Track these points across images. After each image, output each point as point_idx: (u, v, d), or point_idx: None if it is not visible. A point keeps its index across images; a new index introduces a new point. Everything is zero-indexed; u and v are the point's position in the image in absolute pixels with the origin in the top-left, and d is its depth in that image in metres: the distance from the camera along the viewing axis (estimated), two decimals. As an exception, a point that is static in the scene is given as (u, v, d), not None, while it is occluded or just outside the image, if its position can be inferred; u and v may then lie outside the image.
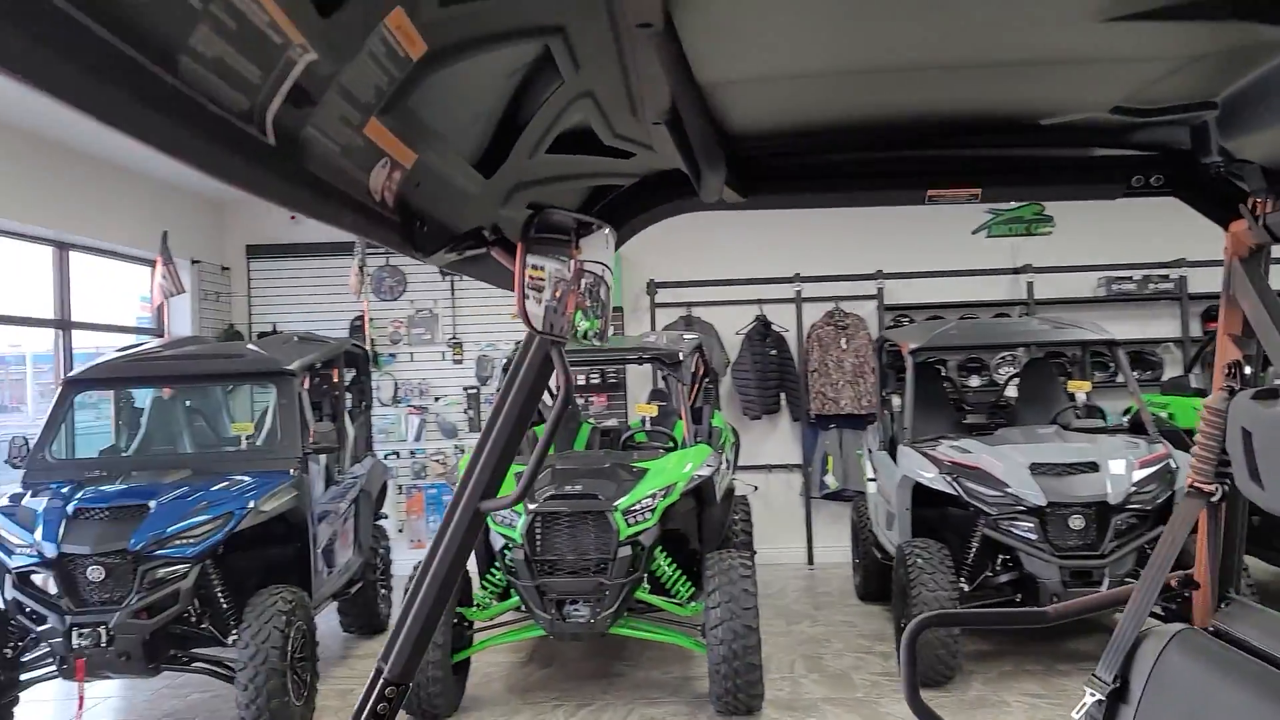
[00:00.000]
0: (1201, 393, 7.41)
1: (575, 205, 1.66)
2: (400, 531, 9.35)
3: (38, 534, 5.02)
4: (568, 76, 1.05)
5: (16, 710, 5.34)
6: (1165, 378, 8.64)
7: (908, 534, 6.11)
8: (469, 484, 1.73)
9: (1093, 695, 1.73)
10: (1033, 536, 5.57)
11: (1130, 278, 8.94)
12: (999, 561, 5.89)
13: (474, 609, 5.81)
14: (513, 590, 5.66)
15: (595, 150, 1.39)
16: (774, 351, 9.15)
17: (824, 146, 1.67)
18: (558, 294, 1.10)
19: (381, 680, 1.72)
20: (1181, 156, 1.63)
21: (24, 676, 5.25)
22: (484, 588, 5.90)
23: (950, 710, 5.32)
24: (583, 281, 1.17)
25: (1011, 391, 7.78)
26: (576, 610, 5.50)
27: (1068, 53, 1.31)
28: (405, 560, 8.38)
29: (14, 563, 5.03)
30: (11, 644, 5.20)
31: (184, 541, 5.12)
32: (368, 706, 1.71)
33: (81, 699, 4.98)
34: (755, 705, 5.33)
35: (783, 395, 9.24)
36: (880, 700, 5.54)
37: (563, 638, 5.67)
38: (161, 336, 8.56)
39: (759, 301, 9.16)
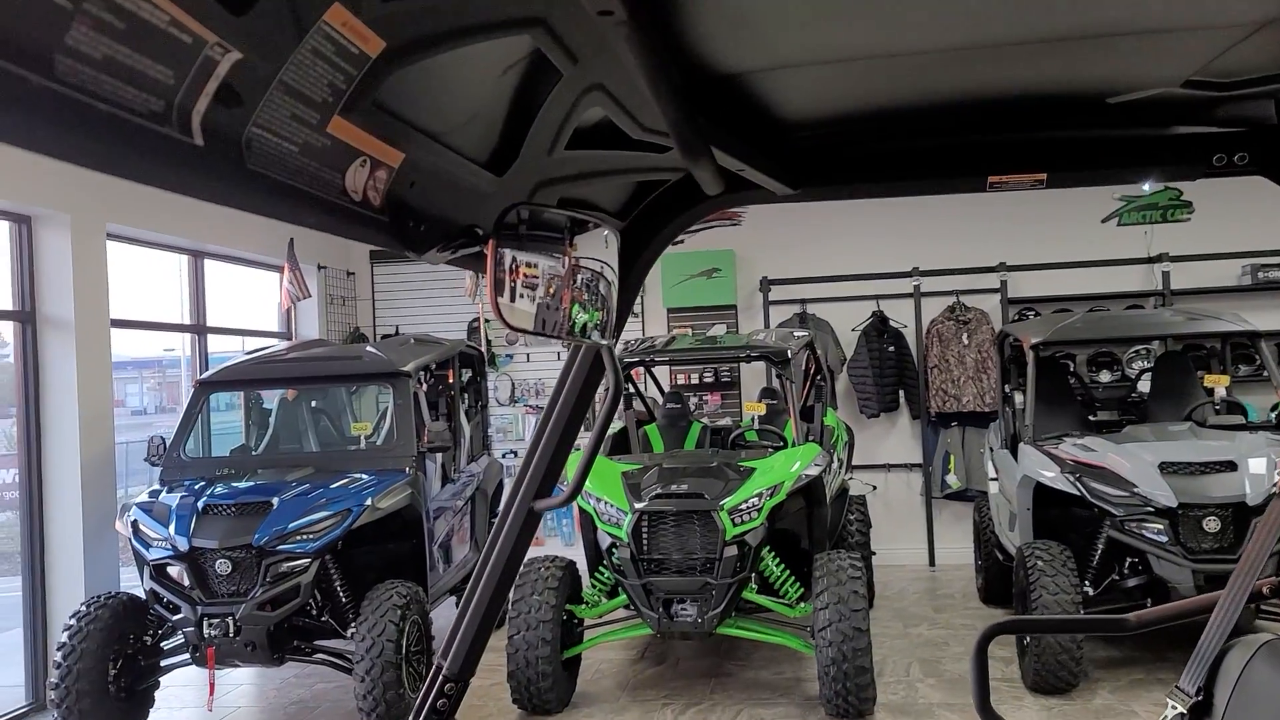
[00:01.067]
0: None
1: (622, 201, 1.65)
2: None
3: (171, 529, 5.31)
4: (565, 70, 1.04)
5: (158, 694, 5.65)
6: (1319, 371, 8.05)
7: (1029, 535, 5.87)
8: (523, 485, 1.74)
9: (1174, 708, 1.61)
10: (1163, 539, 5.28)
11: (1279, 265, 8.37)
12: (1127, 565, 5.61)
13: (584, 606, 5.86)
14: (620, 589, 5.68)
15: (629, 145, 1.37)
16: (892, 348, 8.93)
17: (877, 134, 1.61)
18: (551, 290, 1.09)
19: (441, 677, 1.74)
20: (1268, 132, 1.50)
21: (164, 663, 5.56)
22: (593, 585, 5.94)
23: (1073, 719, 5.10)
24: (579, 277, 1.16)
25: (1145, 387, 7.39)
26: (684, 609, 5.49)
27: (1131, 24, 1.23)
28: (523, 557, 8.50)
29: (151, 555, 5.33)
30: (151, 632, 5.51)
31: (304, 537, 5.32)
32: (428, 703, 1.74)
33: (212, 685, 5.24)
34: (867, 709, 5.21)
35: (901, 393, 9.01)
36: (999, 707, 5.32)
37: (670, 636, 5.66)
38: (290, 339, 8.94)
39: (876, 297, 8.96)
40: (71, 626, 5.24)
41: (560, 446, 1.73)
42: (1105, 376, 8.32)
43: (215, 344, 8.23)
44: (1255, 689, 1.53)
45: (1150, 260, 8.62)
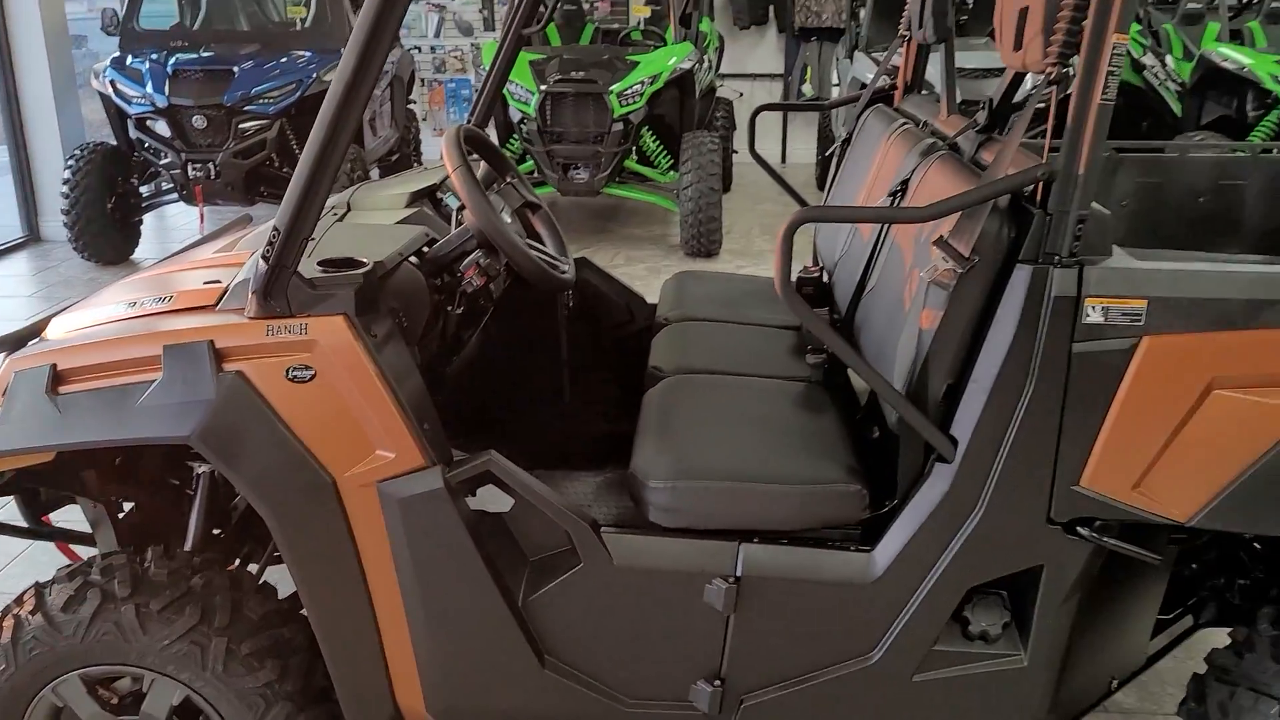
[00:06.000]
0: None
1: None
2: (424, 120, 10.57)
3: (148, 88, 6.30)
4: None
5: (142, 228, 6.91)
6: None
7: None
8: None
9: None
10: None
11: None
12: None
13: (495, 171, 7.21)
14: (528, 156, 7.03)
15: None
16: (766, -36, 9.90)
17: None
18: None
19: None
20: None
21: (145, 203, 6.78)
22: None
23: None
24: None
25: None
26: (578, 172, 6.92)
27: None
28: (431, 145, 9.73)
29: (133, 110, 6.35)
30: (135, 175, 6.68)
31: (265, 101, 6.40)
32: None
33: (202, 215, 6.50)
34: (714, 250, 6.88)
35: (771, 7, 10.10)
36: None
37: (567, 194, 7.12)
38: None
39: (756, -86, 9.76)
40: (73, 166, 6.33)
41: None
42: None
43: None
44: (863, 129, 3.00)
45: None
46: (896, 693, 1.84)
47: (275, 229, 1.69)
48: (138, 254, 6.88)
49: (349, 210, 2.37)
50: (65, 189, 6.34)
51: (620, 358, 3.02)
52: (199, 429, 1.72)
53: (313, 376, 1.74)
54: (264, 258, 1.71)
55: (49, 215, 7.13)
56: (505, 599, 1.82)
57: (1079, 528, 1.73)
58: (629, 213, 8.10)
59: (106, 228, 6.47)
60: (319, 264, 1.82)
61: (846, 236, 2.66)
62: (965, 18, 8.70)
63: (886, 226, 2.30)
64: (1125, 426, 1.65)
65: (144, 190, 6.83)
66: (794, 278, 2.73)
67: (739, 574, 1.79)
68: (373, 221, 2.25)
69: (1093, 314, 1.62)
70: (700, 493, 1.84)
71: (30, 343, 2.10)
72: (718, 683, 1.85)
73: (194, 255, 2.38)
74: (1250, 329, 1.62)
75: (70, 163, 6.38)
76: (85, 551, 2.28)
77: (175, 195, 6.62)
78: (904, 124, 2.68)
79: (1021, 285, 1.64)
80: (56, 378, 1.80)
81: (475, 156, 2.34)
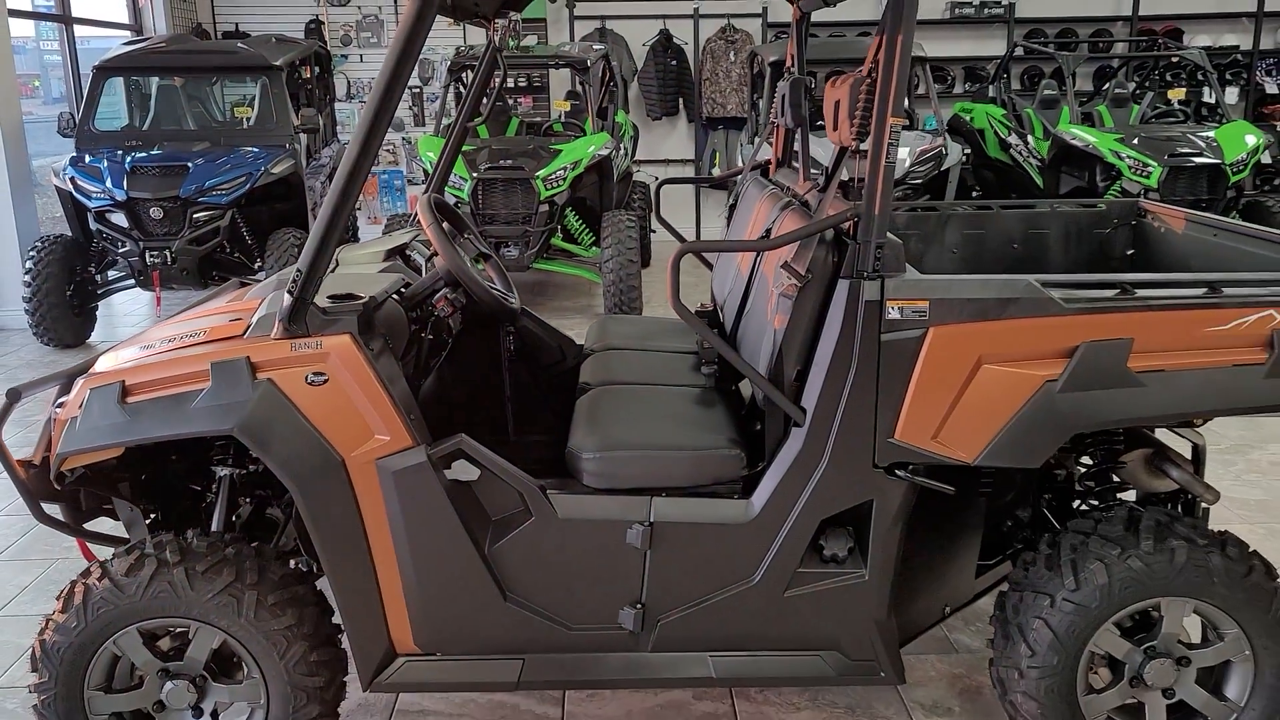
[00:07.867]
0: (994, 101, 9.42)
1: None
2: (359, 209, 11.19)
3: (108, 183, 6.82)
4: None
5: (98, 314, 7.34)
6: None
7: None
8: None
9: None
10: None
11: (970, 2, 10.66)
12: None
13: (431, 252, 7.84)
14: (461, 237, 7.67)
15: None
16: (674, 62, 10.83)
17: None
18: None
19: None
20: None
21: (100, 290, 7.24)
22: (438, 236, 7.89)
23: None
24: None
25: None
26: (509, 250, 7.57)
27: None
28: (366, 231, 10.35)
29: (93, 204, 6.86)
30: (94, 264, 7.15)
31: (219, 192, 6.96)
32: None
33: (159, 298, 6.98)
34: (636, 313, 7.55)
35: (680, 99, 11.01)
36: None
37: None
38: (140, 33, 9.92)
39: (663, 17, 10.72)
40: (34, 257, 6.80)
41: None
42: (835, 91, 10.56)
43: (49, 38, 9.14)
44: (744, 194, 3.70)
45: (880, -4, 10.71)
46: (773, 606, 2.43)
47: (298, 270, 2.28)
48: (93, 337, 7.31)
49: (338, 265, 2.96)
50: (27, 278, 6.79)
51: (554, 392, 3.61)
52: (240, 424, 2.27)
53: (326, 380, 2.31)
54: (289, 293, 2.29)
55: (7, 303, 7.53)
56: (475, 548, 2.38)
57: (897, 470, 2.36)
58: (556, 286, 8.76)
59: (66, 313, 6.92)
60: (328, 297, 2.41)
61: (732, 275, 3.33)
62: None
63: (759, 262, 2.96)
64: (922, 393, 2.30)
65: (100, 278, 7.30)
66: (694, 310, 3.38)
67: (652, 520, 2.39)
68: (359, 272, 2.84)
69: (893, 312, 2.28)
70: (621, 460, 2.44)
71: (77, 379, 2.63)
72: (639, 606, 2.42)
73: (200, 310, 2.93)
74: (1002, 320, 2.29)
75: (32, 254, 6.83)
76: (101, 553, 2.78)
77: (131, 282, 7.11)
78: (772, 188, 3.38)
79: (843, 294, 2.29)
80: (125, 391, 2.34)
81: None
